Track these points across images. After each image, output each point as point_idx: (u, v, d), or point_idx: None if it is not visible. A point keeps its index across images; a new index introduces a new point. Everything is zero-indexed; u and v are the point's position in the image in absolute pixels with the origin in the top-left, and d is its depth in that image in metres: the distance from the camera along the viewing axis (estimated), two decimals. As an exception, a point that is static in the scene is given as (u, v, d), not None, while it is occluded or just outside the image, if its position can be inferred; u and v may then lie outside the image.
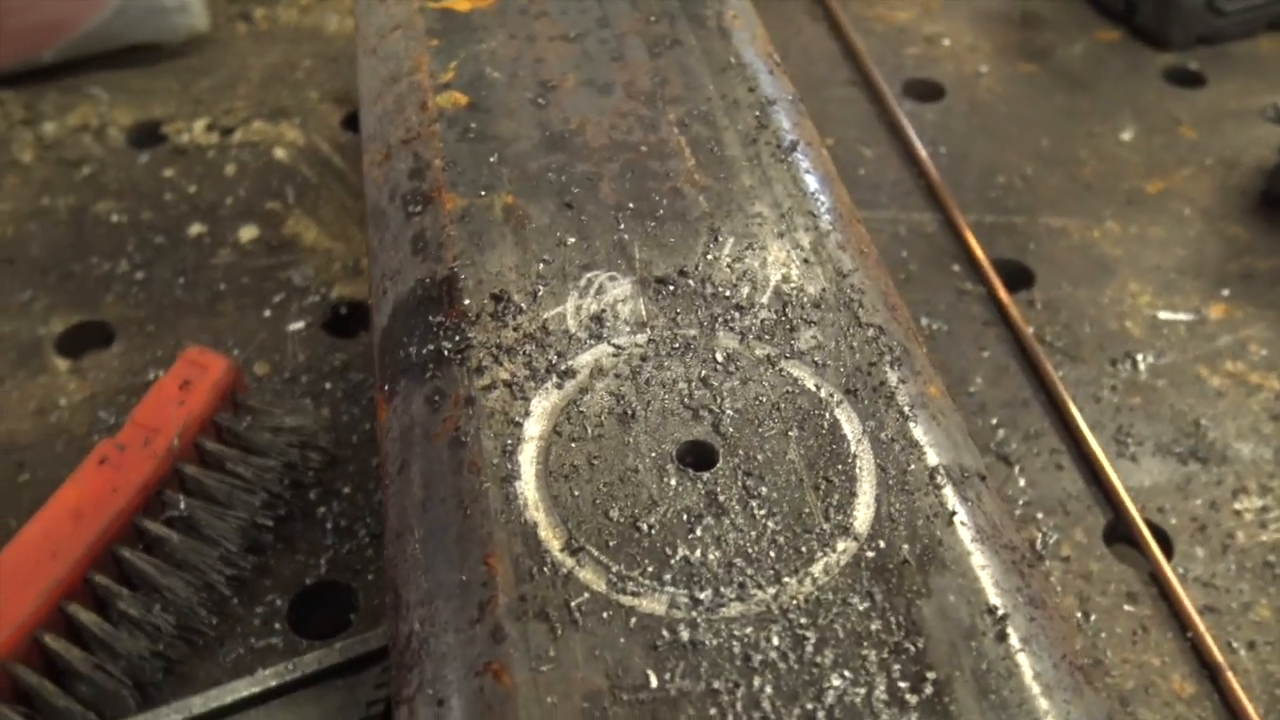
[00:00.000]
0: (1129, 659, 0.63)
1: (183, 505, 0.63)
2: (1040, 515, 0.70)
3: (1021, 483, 0.71)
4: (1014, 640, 0.38)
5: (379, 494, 0.69)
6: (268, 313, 0.80)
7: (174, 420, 0.64)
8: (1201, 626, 0.64)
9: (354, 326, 0.80)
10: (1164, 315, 0.81)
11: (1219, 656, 0.62)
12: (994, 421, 0.75)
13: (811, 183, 0.54)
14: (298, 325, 0.79)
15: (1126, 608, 0.66)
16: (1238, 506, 0.70)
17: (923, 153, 0.93)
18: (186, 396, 0.66)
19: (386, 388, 0.47)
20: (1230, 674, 0.62)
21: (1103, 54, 1.05)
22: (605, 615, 0.38)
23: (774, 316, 0.47)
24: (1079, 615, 0.65)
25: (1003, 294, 0.82)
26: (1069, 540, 0.69)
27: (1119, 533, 0.69)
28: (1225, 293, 0.83)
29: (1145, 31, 1.05)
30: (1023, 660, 0.37)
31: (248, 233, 0.86)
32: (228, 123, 0.95)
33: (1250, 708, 0.60)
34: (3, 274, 0.83)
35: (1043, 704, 0.36)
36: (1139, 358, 0.79)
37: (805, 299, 0.48)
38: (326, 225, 0.86)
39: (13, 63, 0.95)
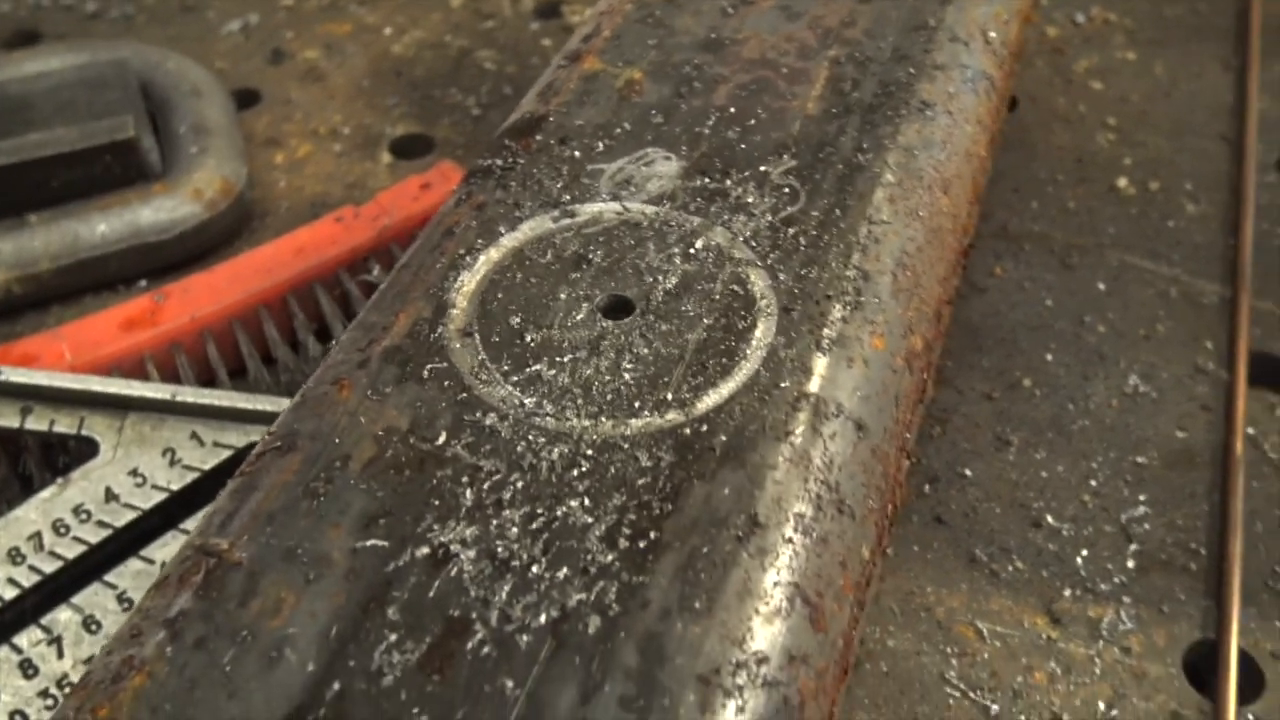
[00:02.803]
0: (1126, 768, 0.57)
1: (375, 272, 0.75)
2: (1127, 600, 0.64)
3: (1129, 563, 0.65)
4: (750, 548, 0.39)
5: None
6: (548, 169, 0.91)
7: (401, 207, 0.77)
8: (1230, 777, 0.56)
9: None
10: None
11: (1225, 812, 0.55)
12: (1141, 497, 0.68)
13: (914, 142, 0.54)
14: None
15: (1160, 723, 0.59)
16: (1371, 691, 0.59)
17: (1250, 226, 0.84)
18: (421, 195, 0.79)
19: (457, 185, 0.55)
20: (1225, 834, 0.54)
21: None
22: (445, 384, 0.44)
23: (773, 231, 0.50)
24: (1102, 705, 0.59)
25: (1241, 385, 0.74)
26: (1143, 636, 0.62)
27: (1205, 657, 0.62)
28: None
29: None
30: (742, 562, 0.38)
31: (573, 104, 0.97)
32: (614, 16, 1.07)
33: None
34: (387, 81, 1.01)
35: (727, 600, 0.37)
36: (1363, 505, 0.67)
37: (814, 226, 0.50)
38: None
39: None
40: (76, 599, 0.61)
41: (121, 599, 0.61)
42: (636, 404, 0.43)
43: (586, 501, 0.40)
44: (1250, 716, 0.59)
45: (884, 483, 0.44)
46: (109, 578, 0.62)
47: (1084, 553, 0.66)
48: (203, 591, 0.38)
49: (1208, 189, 0.88)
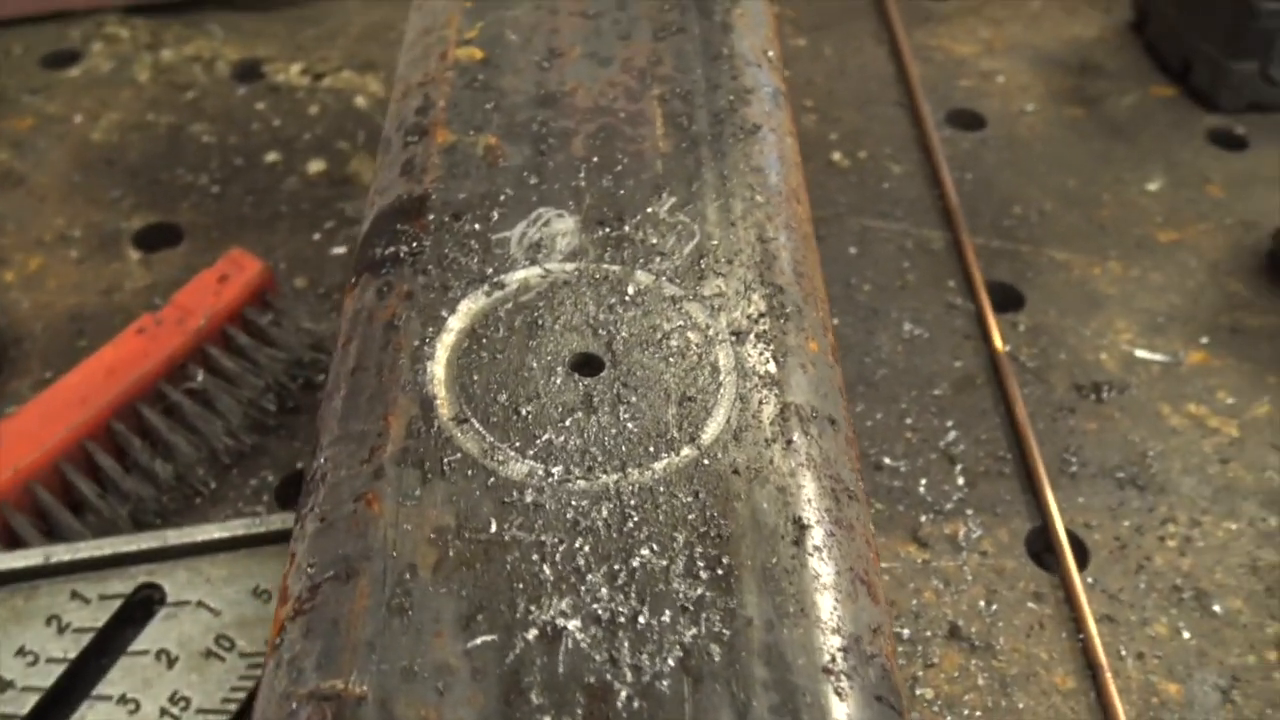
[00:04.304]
0: (1019, 649, 0.68)
1: (200, 378, 0.72)
2: (970, 512, 0.75)
3: (960, 480, 0.76)
4: (808, 547, 0.44)
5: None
6: (317, 236, 0.90)
7: (206, 306, 0.74)
8: (1094, 630, 0.68)
9: (389, 258, 0.88)
10: (1141, 354, 0.85)
11: (1103, 658, 0.67)
12: (949, 424, 0.80)
13: (762, 162, 0.61)
14: (341, 250, 0.89)
15: (1029, 605, 0.70)
16: (1162, 533, 0.74)
17: (947, 176, 0.98)
18: (222, 289, 0.76)
19: (353, 280, 0.55)
20: (1109, 675, 0.66)
21: (1153, 108, 1.08)
22: (469, 473, 0.46)
23: (689, 265, 0.54)
24: (982, 604, 0.70)
25: (988, 312, 0.87)
26: (991, 538, 0.73)
27: (1041, 540, 0.74)
28: (1206, 340, 0.86)
29: (1198, 92, 1.08)
30: (810, 563, 0.44)
31: (315, 166, 0.96)
32: (320, 69, 1.06)
33: (1120, 708, 0.65)
34: (102, 173, 0.95)
35: (813, 597, 0.42)
36: (1105, 388, 0.83)
37: (721, 254, 0.55)
38: (384, 168, 0.95)
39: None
40: (6, 802, 0.56)
41: (56, 786, 0.57)
42: (650, 448, 0.47)
43: (654, 547, 0.44)
44: (1090, 579, 0.72)
45: (858, 464, 0.50)
46: (34, 769, 0.57)
47: (923, 482, 0.76)
48: (340, 735, 0.38)
49: (903, 149, 1.02)
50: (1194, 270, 0.92)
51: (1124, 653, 0.68)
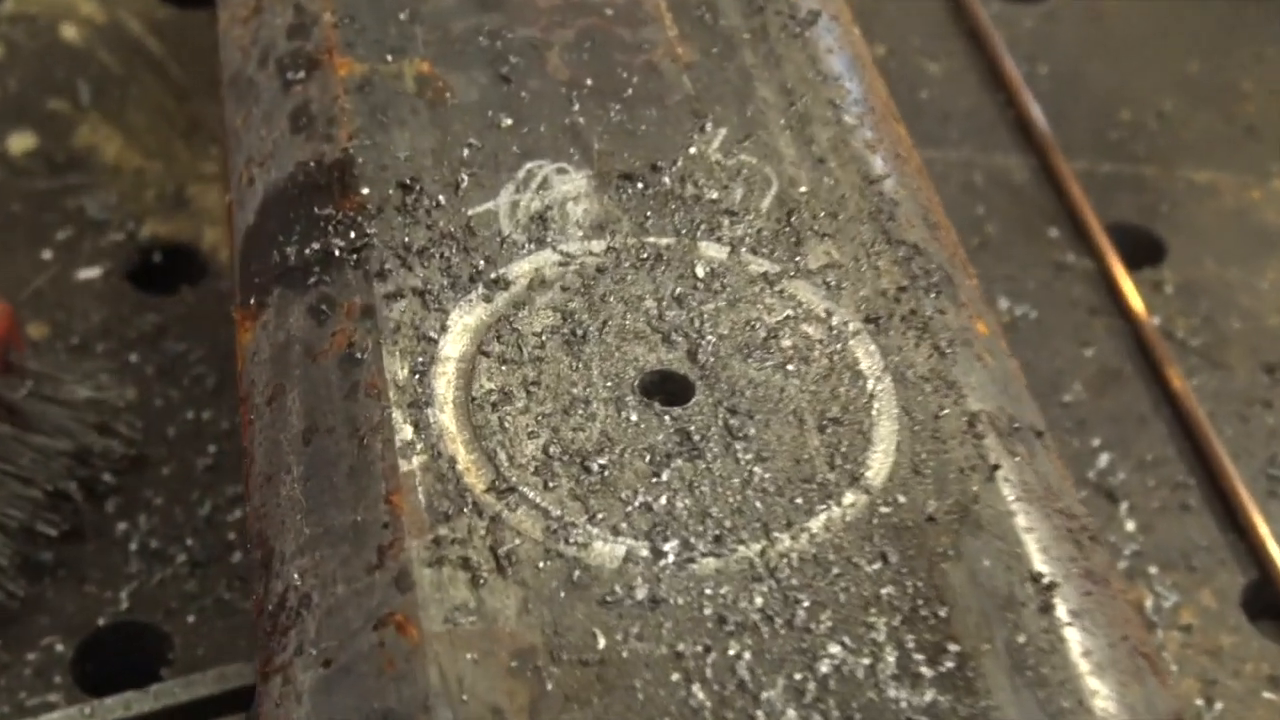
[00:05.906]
0: (1266, 762, 0.75)
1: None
2: (1154, 571, 0.82)
3: (1130, 526, 0.84)
4: (1062, 613, 0.50)
5: (204, 507, 0.80)
6: (48, 253, 0.92)
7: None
8: (1370, 722, 0.76)
9: (173, 278, 0.91)
10: (1347, 309, 0.95)
11: (1390, 760, 0.74)
12: (1095, 443, 0.87)
13: (835, 65, 0.67)
14: (91, 273, 0.91)
15: (1267, 695, 0.78)
16: None
17: (1014, 73, 1.06)
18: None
19: (253, 301, 0.58)
20: (1404, 783, 0.74)
21: (1284, -54, 1.19)
22: (542, 565, 0.50)
23: (775, 226, 0.60)
24: (1201, 701, 0.77)
25: (1119, 271, 0.95)
26: (1193, 605, 0.81)
27: (1264, 599, 0.81)
28: None
29: (1347, -84, 1.19)
30: (1071, 635, 0.49)
31: (20, 142, 0.97)
32: (-9, -13, 1.07)
33: None
34: None
35: (1091, 684, 0.48)
36: (1307, 365, 0.92)
37: (818, 207, 0.61)
38: (136, 136, 0.98)
39: None
40: None
41: None
42: (798, 499, 0.52)
43: (846, 641, 0.48)
44: (1348, 647, 0.80)
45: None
46: None
47: (1076, 532, 0.83)
48: None
49: (940, 38, 1.10)
50: (1394, 179, 1.03)
51: None
